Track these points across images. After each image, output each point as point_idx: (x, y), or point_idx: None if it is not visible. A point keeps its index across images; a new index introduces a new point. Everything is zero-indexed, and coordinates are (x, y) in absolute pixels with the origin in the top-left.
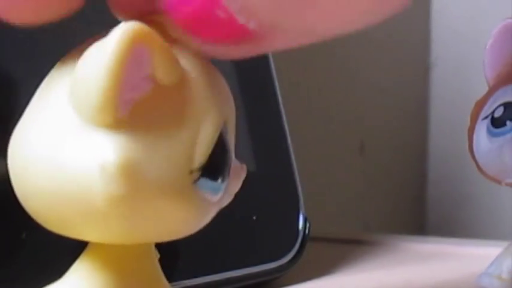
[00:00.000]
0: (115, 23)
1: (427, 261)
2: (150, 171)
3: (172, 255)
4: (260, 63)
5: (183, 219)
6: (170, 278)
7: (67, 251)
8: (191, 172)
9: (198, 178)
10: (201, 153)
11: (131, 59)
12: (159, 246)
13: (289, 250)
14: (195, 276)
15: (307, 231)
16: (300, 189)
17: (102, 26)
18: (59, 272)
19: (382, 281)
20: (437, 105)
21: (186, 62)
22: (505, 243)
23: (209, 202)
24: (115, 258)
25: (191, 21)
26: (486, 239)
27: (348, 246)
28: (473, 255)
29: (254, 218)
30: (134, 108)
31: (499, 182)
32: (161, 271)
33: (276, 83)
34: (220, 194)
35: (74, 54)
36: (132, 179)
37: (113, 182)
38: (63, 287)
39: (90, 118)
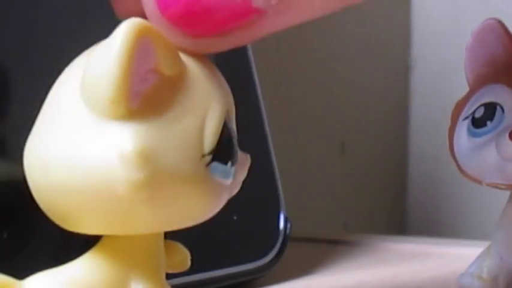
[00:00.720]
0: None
1: (407, 261)
2: (166, 157)
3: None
4: (241, 63)
5: (200, 203)
6: None
7: (48, 250)
8: (203, 156)
9: (210, 162)
10: (210, 139)
11: (138, 52)
12: None
13: (270, 250)
14: (177, 276)
15: (288, 231)
16: (280, 189)
17: (103, 29)
18: (40, 271)
19: (362, 281)
20: (417, 105)
21: (184, 56)
22: (486, 243)
23: (222, 186)
24: (125, 251)
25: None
26: (467, 238)
27: (328, 246)
28: (454, 255)
29: (235, 218)
30: (144, 99)
31: (479, 182)
32: (163, 270)
33: (257, 83)
34: (231, 179)
35: (81, 58)
36: (150, 164)
37: (133, 168)
38: (74, 269)
39: (104, 111)
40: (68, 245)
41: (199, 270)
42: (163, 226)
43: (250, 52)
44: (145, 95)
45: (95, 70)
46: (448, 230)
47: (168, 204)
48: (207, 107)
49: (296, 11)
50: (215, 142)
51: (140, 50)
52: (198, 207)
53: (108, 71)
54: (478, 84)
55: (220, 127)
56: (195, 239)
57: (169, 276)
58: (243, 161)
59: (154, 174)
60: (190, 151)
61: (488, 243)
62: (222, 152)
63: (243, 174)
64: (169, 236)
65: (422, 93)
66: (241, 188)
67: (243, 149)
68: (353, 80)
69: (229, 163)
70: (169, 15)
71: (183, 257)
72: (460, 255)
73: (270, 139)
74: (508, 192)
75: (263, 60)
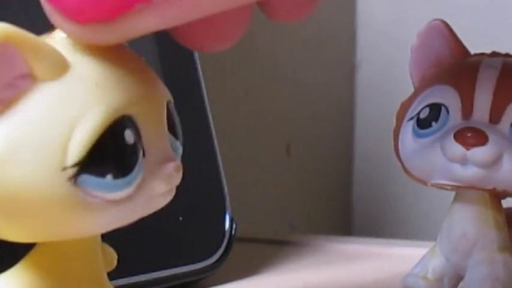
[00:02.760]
0: None
1: (352, 261)
2: (20, 163)
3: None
4: (186, 63)
5: (67, 218)
6: None
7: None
8: (64, 169)
9: (76, 175)
10: (76, 150)
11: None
12: None
13: (216, 250)
14: (122, 277)
15: (233, 231)
16: (226, 189)
17: None
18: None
19: (308, 282)
20: (363, 106)
21: (76, 54)
22: (431, 244)
23: (102, 200)
24: (59, 256)
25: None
26: (412, 239)
27: (274, 247)
28: (399, 256)
29: (180, 218)
30: (11, 104)
31: (424, 183)
32: (104, 271)
33: (202, 83)
34: (125, 192)
35: None
36: (3, 172)
37: None
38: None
39: None
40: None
41: (145, 271)
42: (29, 237)
43: (195, 52)
44: (14, 100)
45: None
46: (393, 231)
47: (24, 215)
48: (80, 115)
49: (183, 4)
50: (82, 154)
51: (3, 56)
52: (65, 221)
53: None
54: (423, 85)
55: (95, 137)
56: (140, 239)
57: (116, 276)
58: (158, 171)
59: (8, 183)
60: (48, 161)
61: (433, 244)
62: (95, 164)
63: (160, 186)
64: (113, 236)
65: (367, 93)
66: (187, 189)
67: (189, 149)
68: (298, 81)
69: (110, 176)
70: (55, 1)
71: (110, 257)
72: (405, 255)
73: (215, 140)
74: (453, 193)
75: (208, 61)
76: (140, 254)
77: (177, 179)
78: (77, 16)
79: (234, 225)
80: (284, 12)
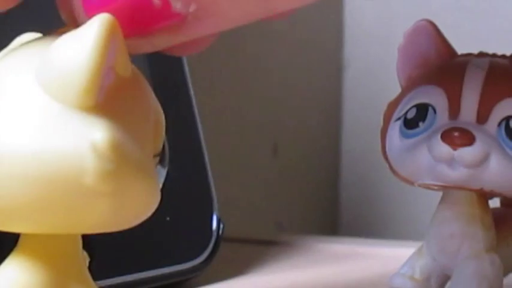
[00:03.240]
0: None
1: (340, 261)
2: (131, 151)
3: (88, 256)
4: (174, 64)
5: (150, 201)
6: None
7: None
8: (155, 156)
9: (157, 163)
10: (159, 141)
11: (109, 48)
12: None
13: (203, 251)
14: (110, 277)
15: (220, 231)
16: (213, 190)
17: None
18: None
19: (295, 282)
20: (350, 106)
21: None
22: (418, 244)
23: (159, 190)
24: (47, 253)
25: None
26: (399, 239)
27: (261, 247)
28: (386, 256)
29: (168, 219)
30: (105, 95)
31: (411, 183)
32: (87, 270)
33: (190, 84)
34: (161, 184)
35: (23, 47)
36: (120, 156)
37: (104, 159)
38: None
39: (73, 101)
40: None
41: (132, 271)
42: (112, 225)
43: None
44: (107, 91)
45: (65, 62)
46: (380, 231)
47: (131, 198)
48: (155, 111)
49: (215, 19)
50: (161, 146)
51: (111, 46)
52: (146, 205)
53: (85, 62)
54: (410, 85)
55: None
56: (128, 240)
57: (103, 276)
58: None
59: (122, 166)
60: (148, 149)
61: (421, 244)
62: (162, 156)
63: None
64: (101, 236)
65: (354, 94)
66: (174, 189)
67: (176, 149)
68: (286, 81)
69: (165, 169)
70: (92, 15)
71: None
72: (393, 255)
73: (203, 140)
74: (440, 193)
75: (196, 61)
76: (128, 254)
77: None
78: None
79: (221, 226)
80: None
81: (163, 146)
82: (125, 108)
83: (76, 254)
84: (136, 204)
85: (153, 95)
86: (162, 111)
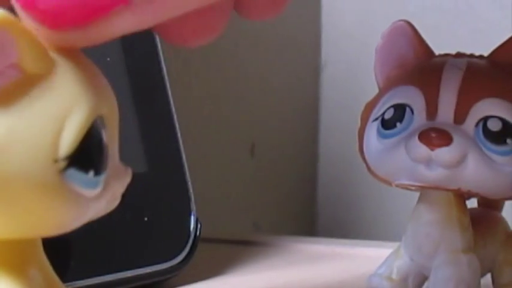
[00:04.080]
0: None
1: (317, 262)
2: (14, 153)
3: (64, 256)
4: (152, 64)
5: (53, 211)
6: (62, 278)
7: None
8: (56, 161)
9: (65, 168)
10: (66, 143)
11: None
12: (52, 246)
13: (181, 251)
14: (88, 277)
15: (198, 232)
16: (191, 190)
17: None
18: None
19: (273, 282)
20: (327, 106)
21: (55, 54)
22: (395, 244)
23: (83, 197)
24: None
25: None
26: (376, 239)
27: (239, 247)
28: (364, 256)
29: (146, 219)
30: (2, 95)
31: (389, 184)
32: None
33: (168, 84)
34: (97, 190)
35: None
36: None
37: None
38: None
39: None
40: None
41: (110, 271)
42: (15, 232)
43: (160, 53)
44: (4, 90)
45: None
46: (358, 231)
47: (13, 206)
48: (70, 109)
49: (161, 4)
50: (73, 147)
51: (5, 43)
52: (53, 216)
53: None
54: (387, 85)
55: (83, 132)
56: (106, 240)
57: (82, 276)
58: (120, 174)
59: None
60: (42, 153)
61: (398, 244)
62: (82, 159)
63: (120, 188)
64: (79, 236)
65: (332, 94)
66: (153, 189)
67: (154, 149)
68: (263, 81)
69: (92, 172)
70: (31, 7)
71: None
72: (370, 256)
73: (180, 140)
74: (417, 193)
75: (173, 61)
76: (106, 255)
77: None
78: (53, 22)
79: (199, 226)
80: (257, 11)
81: (97, 149)
82: (23, 106)
83: (42, 259)
84: (31, 212)
85: (82, 88)
86: (87, 110)
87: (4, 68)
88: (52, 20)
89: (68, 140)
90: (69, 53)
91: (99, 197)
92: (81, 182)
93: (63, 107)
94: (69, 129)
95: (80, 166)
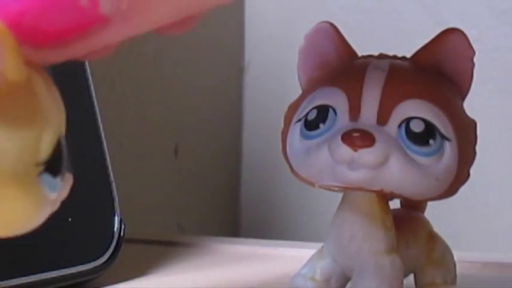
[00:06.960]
0: None
1: (241, 262)
2: (1, 153)
3: None
4: (75, 65)
5: (25, 210)
6: None
7: None
8: (37, 164)
9: (41, 172)
10: (46, 149)
11: None
12: None
13: (105, 251)
14: (11, 277)
15: (122, 232)
16: (115, 191)
17: None
18: None
19: (196, 282)
20: (250, 107)
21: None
22: (318, 245)
23: (47, 199)
24: None
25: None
26: (299, 240)
27: (163, 248)
28: (287, 257)
29: (69, 219)
30: None
31: (312, 185)
32: None
33: (91, 84)
34: (56, 194)
35: None
36: None
37: None
38: None
39: None
40: None
41: (34, 272)
42: None
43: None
44: None
45: None
46: (281, 232)
47: None
48: (45, 118)
49: (141, 18)
50: (49, 153)
51: None
52: (22, 215)
53: None
54: (311, 86)
55: (55, 141)
56: (29, 240)
57: (4, 277)
58: (68, 179)
59: None
60: (27, 154)
61: (321, 245)
62: (53, 165)
63: (66, 193)
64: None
65: (255, 95)
66: (76, 190)
67: (78, 150)
68: (187, 83)
69: (59, 177)
70: (8, 24)
71: None
72: (293, 256)
73: (104, 141)
74: (340, 194)
75: (96, 62)
76: (29, 255)
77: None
78: (34, 41)
79: (122, 226)
80: (168, 28)
81: (60, 153)
82: (9, 112)
83: None
84: (5, 211)
85: (52, 100)
86: (61, 117)
87: None
88: (33, 39)
89: (47, 146)
90: (35, 65)
91: (56, 200)
92: (49, 185)
93: (41, 116)
94: (47, 135)
95: (51, 171)
